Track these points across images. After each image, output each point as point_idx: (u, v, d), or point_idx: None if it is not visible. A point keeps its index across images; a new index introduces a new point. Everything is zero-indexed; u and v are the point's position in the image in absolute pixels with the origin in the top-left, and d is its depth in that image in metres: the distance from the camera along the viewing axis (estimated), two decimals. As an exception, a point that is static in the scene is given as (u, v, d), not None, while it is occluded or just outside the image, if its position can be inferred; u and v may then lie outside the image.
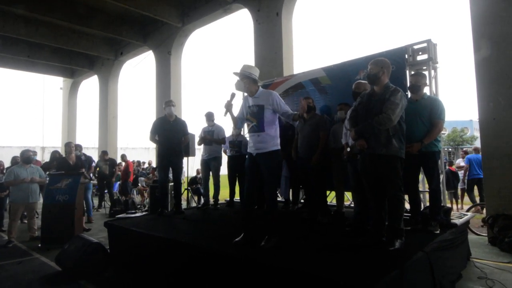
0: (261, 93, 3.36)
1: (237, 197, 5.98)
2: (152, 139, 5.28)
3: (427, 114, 3.57)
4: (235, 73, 3.41)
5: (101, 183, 9.01)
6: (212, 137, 5.72)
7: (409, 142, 3.39)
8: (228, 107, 3.39)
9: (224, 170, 5.79)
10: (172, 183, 5.61)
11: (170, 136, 5.12)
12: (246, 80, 3.32)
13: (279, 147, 3.32)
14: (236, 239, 3.22)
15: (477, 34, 5.21)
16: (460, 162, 9.01)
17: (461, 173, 8.71)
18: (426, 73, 4.28)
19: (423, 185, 4.58)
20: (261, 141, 3.25)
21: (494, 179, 4.97)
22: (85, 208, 7.43)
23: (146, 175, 11.43)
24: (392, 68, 4.41)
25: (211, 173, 5.87)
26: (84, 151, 8.68)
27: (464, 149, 11.10)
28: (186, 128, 5.42)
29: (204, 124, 5.97)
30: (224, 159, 5.98)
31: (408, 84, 3.77)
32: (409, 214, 3.74)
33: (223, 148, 5.94)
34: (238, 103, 3.59)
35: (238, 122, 3.50)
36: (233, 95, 3.42)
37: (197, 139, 6.10)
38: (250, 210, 3.41)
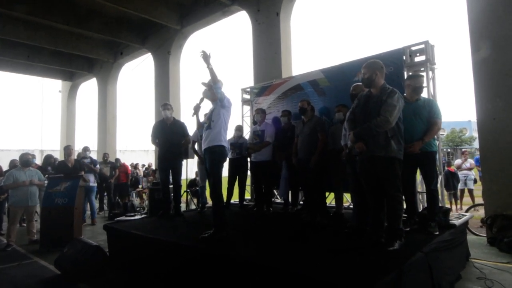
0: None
1: (235, 199, 5.97)
2: (153, 142, 5.39)
3: (426, 113, 3.61)
4: (203, 83, 3.84)
5: (101, 185, 9.00)
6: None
7: (410, 142, 3.43)
8: (197, 109, 3.96)
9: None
10: (172, 186, 5.60)
11: (168, 139, 5.15)
12: (209, 90, 3.79)
13: (222, 143, 3.59)
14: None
15: (476, 34, 5.20)
16: (460, 162, 8.99)
17: (461, 174, 8.72)
18: (423, 74, 4.31)
19: (422, 185, 4.58)
20: (207, 138, 3.63)
21: (493, 180, 4.97)
22: (89, 211, 7.49)
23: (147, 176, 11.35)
24: (390, 70, 4.47)
25: None
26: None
27: (464, 150, 11.07)
28: (186, 129, 5.41)
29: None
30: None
31: (415, 86, 3.72)
32: (406, 215, 3.74)
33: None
34: (205, 108, 4.06)
35: (200, 126, 3.97)
36: (202, 99, 3.95)
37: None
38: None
